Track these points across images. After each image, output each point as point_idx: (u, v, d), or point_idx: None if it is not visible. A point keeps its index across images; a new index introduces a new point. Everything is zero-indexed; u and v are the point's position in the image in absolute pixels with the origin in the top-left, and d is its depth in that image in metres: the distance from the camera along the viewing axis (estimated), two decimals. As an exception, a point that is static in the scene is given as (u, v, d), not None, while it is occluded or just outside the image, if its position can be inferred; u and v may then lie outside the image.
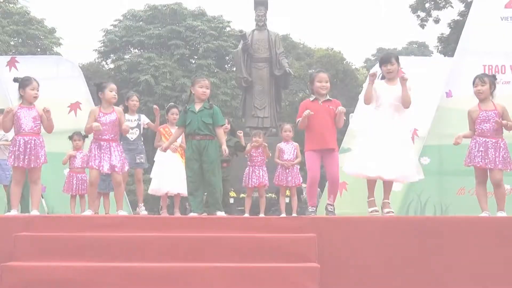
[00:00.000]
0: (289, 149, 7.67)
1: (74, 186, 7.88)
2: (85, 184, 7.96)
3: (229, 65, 31.54)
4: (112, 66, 30.90)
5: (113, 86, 6.02)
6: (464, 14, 19.75)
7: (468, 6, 18.11)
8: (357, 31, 71.45)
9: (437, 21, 22.09)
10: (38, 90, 5.89)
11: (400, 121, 5.60)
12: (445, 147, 7.93)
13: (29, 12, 27.38)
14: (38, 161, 5.74)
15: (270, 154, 7.61)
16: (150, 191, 7.73)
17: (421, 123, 8.49)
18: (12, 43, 26.36)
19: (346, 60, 34.37)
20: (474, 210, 6.23)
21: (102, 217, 5.46)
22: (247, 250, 4.51)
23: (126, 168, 6.13)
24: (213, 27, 29.34)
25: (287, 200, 8.37)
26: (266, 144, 7.59)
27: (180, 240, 4.61)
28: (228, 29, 30.70)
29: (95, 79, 27.43)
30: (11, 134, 6.29)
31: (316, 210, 5.62)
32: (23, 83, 5.84)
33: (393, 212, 5.56)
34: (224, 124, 6.16)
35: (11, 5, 26.77)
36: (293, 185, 7.59)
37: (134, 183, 8.02)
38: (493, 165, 5.49)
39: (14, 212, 5.63)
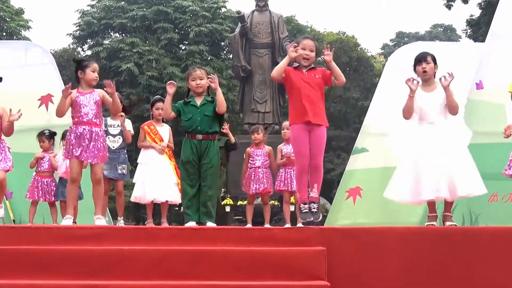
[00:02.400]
0: (291, 150, 7.70)
1: (40, 193, 7.91)
2: (53, 191, 8.00)
3: (224, 52, 31.56)
4: (89, 52, 30.86)
5: (96, 66, 6.02)
6: (497, -7, 19.75)
7: (502, -17, 18.07)
8: (373, 12, 71.52)
9: (465, 0, 22.12)
10: (1, 81, 5.93)
11: (449, 129, 5.60)
12: (475, 146, 7.86)
13: (-8, -10, 27.43)
14: (7, 164, 5.76)
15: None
16: (133, 199, 7.73)
17: (459, 124, 8.49)
18: (-28, 26, 26.41)
19: (360, 46, 34.39)
20: (509, 220, 6.24)
21: (78, 227, 5.46)
22: (246, 265, 4.51)
23: (106, 159, 6.12)
24: (206, 8, 29.37)
25: (292, 208, 8.40)
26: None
27: (168, 254, 4.61)
28: (223, 10, 30.71)
29: (69, 67, 27.59)
30: None
31: (313, 207, 5.52)
32: None
33: (456, 225, 5.60)
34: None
35: (-30, -18, 26.82)
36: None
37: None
38: None
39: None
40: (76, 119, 5.90)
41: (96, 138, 5.86)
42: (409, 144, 5.66)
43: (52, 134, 8.17)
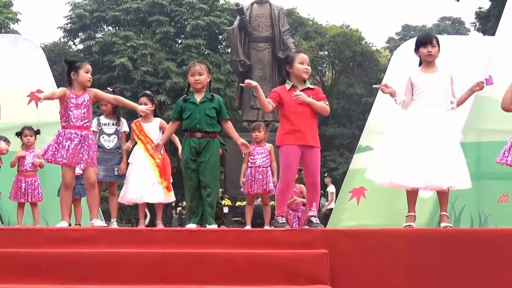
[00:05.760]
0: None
1: (23, 192, 7.90)
2: (37, 190, 8.00)
3: (223, 45, 31.56)
4: (81, 46, 30.92)
5: (89, 67, 6.09)
6: (507, -16, 19.74)
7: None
8: (378, 4, 71.52)
9: (474, -8, 22.12)
10: None
11: (448, 117, 5.61)
12: (484, 145, 7.92)
13: (-21, -19, 27.41)
14: None
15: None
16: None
17: (456, 116, 8.49)
18: (-41, 19, 26.37)
19: (365, 40, 34.41)
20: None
21: (69, 229, 5.45)
22: (245, 269, 4.52)
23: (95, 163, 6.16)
24: (204, 0, 29.36)
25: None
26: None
27: (164, 257, 4.62)
28: (221, 2, 30.72)
29: (60, 62, 27.55)
30: None
31: (315, 220, 5.50)
32: None
33: (451, 227, 5.58)
34: (229, 119, 6.19)
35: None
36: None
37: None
38: None
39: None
40: (65, 123, 5.96)
41: (85, 141, 5.93)
42: (402, 124, 5.65)
43: (37, 132, 8.14)
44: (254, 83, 5.53)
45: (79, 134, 5.92)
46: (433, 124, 5.53)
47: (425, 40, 5.75)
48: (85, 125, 5.97)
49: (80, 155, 5.89)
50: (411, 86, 5.67)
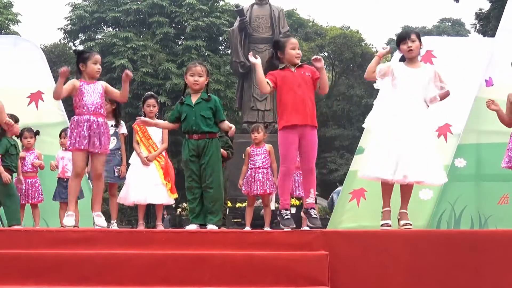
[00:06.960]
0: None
1: (23, 193, 7.90)
2: (38, 191, 8.02)
3: (223, 47, 31.57)
4: (81, 48, 30.86)
5: (98, 57, 6.06)
6: (507, -14, 19.75)
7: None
8: (378, 6, 71.54)
9: (474, -7, 22.14)
10: None
11: (425, 112, 5.64)
12: (484, 146, 7.94)
13: (-21, -18, 27.42)
14: None
15: None
16: (118, 199, 7.76)
17: (456, 117, 8.50)
18: (-41, 20, 26.38)
19: (365, 41, 34.42)
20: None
21: (69, 231, 5.45)
22: (245, 271, 4.52)
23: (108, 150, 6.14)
24: (204, 1, 29.39)
25: (292, 210, 8.39)
26: None
27: (164, 259, 4.62)
28: (221, 3, 30.73)
29: (60, 63, 27.59)
30: None
31: (313, 212, 5.41)
32: None
33: (410, 225, 5.55)
34: (225, 119, 6.16)
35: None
36: (301, 192, 7.62)
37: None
38: None
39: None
40: (79, 109, 5.92)
41: (101, 129, 5.91)
42: (381, 120, 5.68)
43: (37, 133, 8.16)
44: (255, 60, 5.41)
45: (94, 120, 5.88)
46: (408, 120, 5.54)
47: (403, 36, 5.78)
48: (99, 112, 5.94)
49: (93, 141, 5.85)
50: (391, 73, 5.69)
